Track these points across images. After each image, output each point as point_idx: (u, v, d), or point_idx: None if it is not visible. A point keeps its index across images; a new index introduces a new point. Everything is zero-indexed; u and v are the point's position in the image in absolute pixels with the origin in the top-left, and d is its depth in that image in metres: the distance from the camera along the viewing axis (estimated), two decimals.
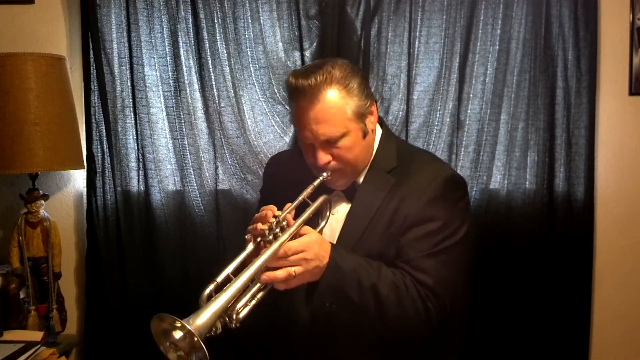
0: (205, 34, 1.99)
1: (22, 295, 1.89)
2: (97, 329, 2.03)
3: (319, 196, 1.42)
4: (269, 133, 2.04)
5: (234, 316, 1.19)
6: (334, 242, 1.42)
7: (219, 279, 1.18)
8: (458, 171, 1.99)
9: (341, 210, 1.47)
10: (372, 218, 1.41)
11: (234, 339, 1.17)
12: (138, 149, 2.03)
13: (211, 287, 1.16)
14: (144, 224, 2.04)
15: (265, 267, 1.23)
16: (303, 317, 1.41)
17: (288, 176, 1.55)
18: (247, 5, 1.99)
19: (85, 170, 2.01)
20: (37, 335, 1.81)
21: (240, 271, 1.19)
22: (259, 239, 1.27)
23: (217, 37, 2.00)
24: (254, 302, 1.24)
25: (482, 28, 1.98)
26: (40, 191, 1.93)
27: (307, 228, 1.32)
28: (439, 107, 2.00)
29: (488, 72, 1.99)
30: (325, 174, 1.40)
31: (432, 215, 1.37)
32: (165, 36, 2.00)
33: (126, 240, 2.02)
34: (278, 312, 1.45)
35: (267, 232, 1.26)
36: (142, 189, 2.04)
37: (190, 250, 2.05)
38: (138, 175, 2.04)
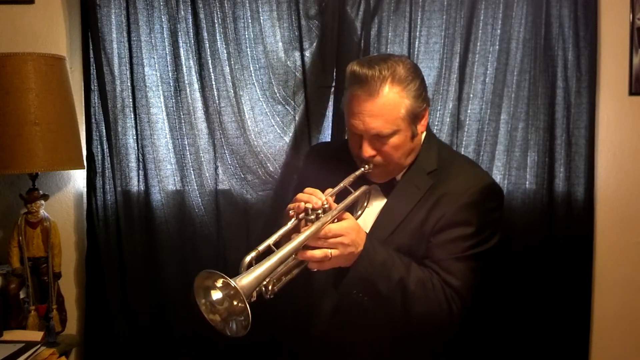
0: (205, 34, 1.99)
1: (22, 295, 1.89)
2: (97, 329, 2.03)
3: (358, 186, 1.43)
4: (269, 133, 2.04)
5: (270, 287, 1.23)
6: None
7: (261, 247, 1.20)
8: None
9: (376, 204, 1.48)
10: (407, 216, 1.42)
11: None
12: (138, 149, 2.03)
13: (252, 254, 1.18)
14: (144, 224, 2.04)
15: (304, 246, 1.26)
16: (325, 308, 1.45)
17: (330, 168, 1.54)
18: (247, 5, 1.99)
19: (85, 170, 2.01)
20: (37, 335, 1.81)
21: (279, 245, 1.22)
22: (301, 215, 1.29)
23: (217, 37, 2.00)
24: (288, 277, 1.28)
25: (482, 28, 1.98)
26: (40, 191, 1.93)
27: (347, 214, 1.34)
28: (439, 107, 2.00)
29: (488, 72, 1.99)
30: (367, 166, 1.41)
31: (466, 220, 1.39)
32: (165, 36, 2.00)
33: (126, 240, 2.02)
34: (300, 303, 1.49)
35: (310, 210, 1.28)
36: (142, 189, 2.04)
37: (190, 250, 2.05)
38: (138, 175, 2.04)
